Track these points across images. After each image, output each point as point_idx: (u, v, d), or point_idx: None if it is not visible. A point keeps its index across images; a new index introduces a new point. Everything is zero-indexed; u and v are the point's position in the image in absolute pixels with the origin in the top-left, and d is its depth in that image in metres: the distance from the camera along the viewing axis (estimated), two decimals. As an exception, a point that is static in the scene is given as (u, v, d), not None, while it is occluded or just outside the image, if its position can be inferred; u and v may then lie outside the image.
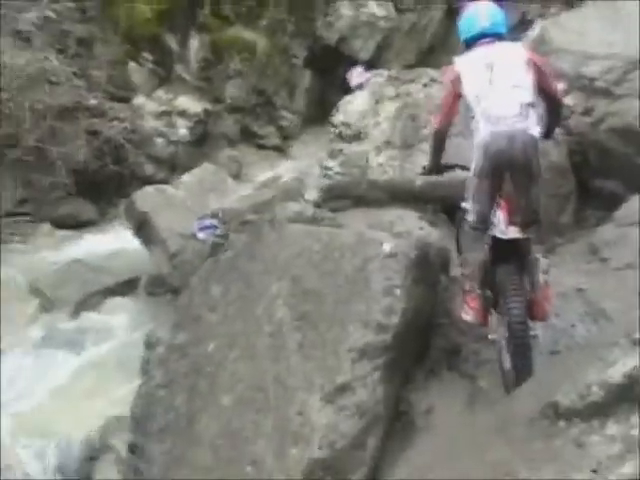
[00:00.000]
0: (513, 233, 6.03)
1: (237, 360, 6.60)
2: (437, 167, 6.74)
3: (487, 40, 6.29)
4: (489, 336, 6.27)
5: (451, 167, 6.84)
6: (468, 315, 6.33)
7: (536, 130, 6.01)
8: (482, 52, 6.25)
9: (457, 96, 6.29)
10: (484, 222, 6.18)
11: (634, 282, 7.28)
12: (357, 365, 6.14)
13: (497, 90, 6.03)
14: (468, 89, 6.16)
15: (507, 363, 5.99)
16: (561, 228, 8.67)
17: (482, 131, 5.99)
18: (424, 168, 6.92)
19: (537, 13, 14.39)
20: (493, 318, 6.23)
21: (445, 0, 14.04)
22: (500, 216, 6.17)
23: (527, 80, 6.09)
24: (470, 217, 6.23)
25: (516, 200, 6.10)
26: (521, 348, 5.82)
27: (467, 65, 6.26)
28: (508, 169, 6.00)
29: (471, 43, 6.39)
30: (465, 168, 6.51)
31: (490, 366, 6.49)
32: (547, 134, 6.63)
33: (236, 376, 6.54)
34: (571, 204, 8.87)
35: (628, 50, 9.14)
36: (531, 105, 6.04)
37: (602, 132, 9.01)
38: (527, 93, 6.05)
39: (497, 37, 6.34)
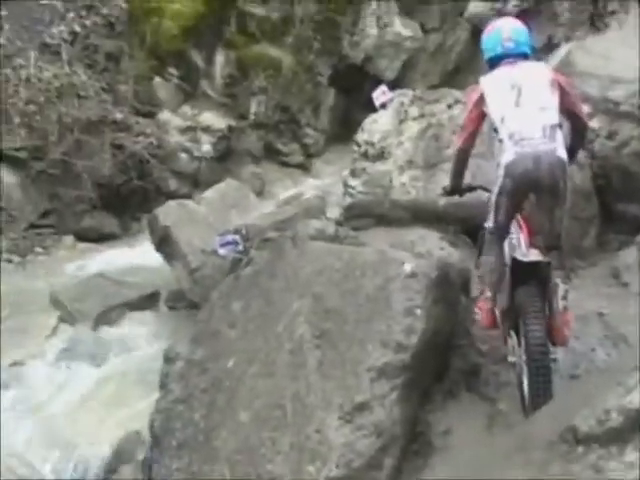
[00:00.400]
0: (534, 256, 6.01)
1: (256, 376, 6.61)
2: (458, 188, 6.74)
3: (511, 60, 6.30)
4: (508, 358, 6.26)
5: (473, 188, 6.83)
6: (478, 316, 6.37)
7: (564, 152, 6.00)
8: (507, 72, 6.24)
9: (481, 115, 6.29)
10: (501, 229, 6.19)
11: (655, 307, 7.28)
12: (375, 384, 6.15)
13: (523, 112, 6.02)
14: (493, 110, 6.15)
15: (526, 386, 5.97)
16: (583, 251, 8.65)
17: (507, 152, 5.98)
18: (444, 189, 6.91)
19: (563, 36, 14.40)
20: (512, 340, 6.21)
21: (470, 21, 14.06)
22: (522, 238, 6.17)
23: (553, 101, 6.08)
24: (489, 224, 6.25)
25: (539, 222, 6.10)
26: (541, 371, 5.80)
27: (492, 85, 6.26)
28: (533, 190, 5.99)
29: (495, 62, 6.40)
30: (487, 190, 6.51)
31: (510, 389, 6.47)
32: (571, 156, 6.61)
33: (255, 392, 6.55)
34: (594, 227, 8.85)
35: (654, 74, 9.14)
36: (558, 127, 6.03)
37: (626, 156, 8.99)
38: (553, 115, 6.04)
39: (521, 56, 6.35)
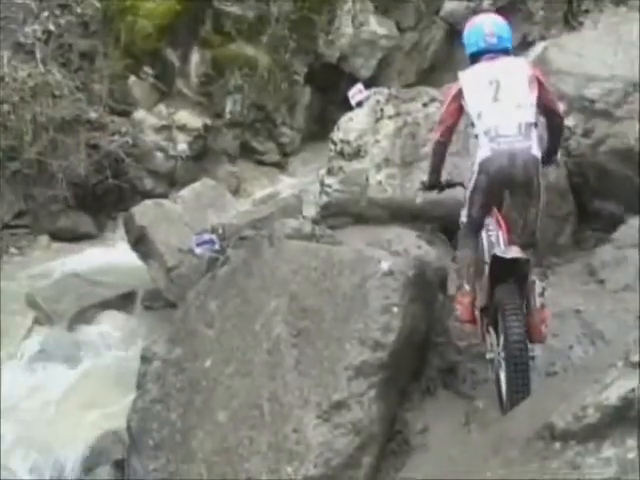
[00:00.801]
0: (514, 253, 6.03)
1: (233, 376, 6.61)
2: (437, 183, 6.75)
3: (492, 55, 6.32)
4: (487, 355, 6.27)
5: (452, 185, 6.85)
6: (457, 311, 6.39)
7: (538, 151, 6.04)
8: (486, 67, 6.28)
9: (459, 109, 6.33)
10: (475, 223, 6.27)
11: (632, 304, 7.30)
12: (353, 383, 6.16)
13: (500, 108, 6.07)
14: (471, 104, 6.19)
15: (504, 383, 5.99)
16: (559, 249, 8.67)
17: (483, 148, 6.03)
18: (423, 183, 6.92)
19: (538, 35, 14.46)
20: (491, 337, 6.22)
21: (446, 19, 14.09)
22: (501, 235, 6.18)
23: (530, 99, 6.13)
24: (463, 218, 6.30)
25: (515, 220, 6.12)
26: (519, 368, 5.81)
27: (471, 80, 6.29)
28: (508, 187, 6.03)
29: (476, 57, 6.41)
30: (465, 187, 6.54)
31: (487, 386, 6.50)
32: (549, 155, 6.64)
33: (232, 392, 6.54)
34: (570, 225, 8.88)
35: (628, 72, 9.17)
36: (533, 125, 6.06)
37: (602, 154, 9.02)
38: (530, 112, 6.08)
39: (503, 52, 6.36)
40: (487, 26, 6.50)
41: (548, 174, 8.11)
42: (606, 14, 12.68)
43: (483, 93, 6.16)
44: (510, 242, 6.14)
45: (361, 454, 6.01)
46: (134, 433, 6.88)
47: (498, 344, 6.08)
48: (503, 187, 6.05)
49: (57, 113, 11.63)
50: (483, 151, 6.03)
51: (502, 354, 5.98)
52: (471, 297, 6.35)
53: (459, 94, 6.31)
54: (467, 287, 6.36)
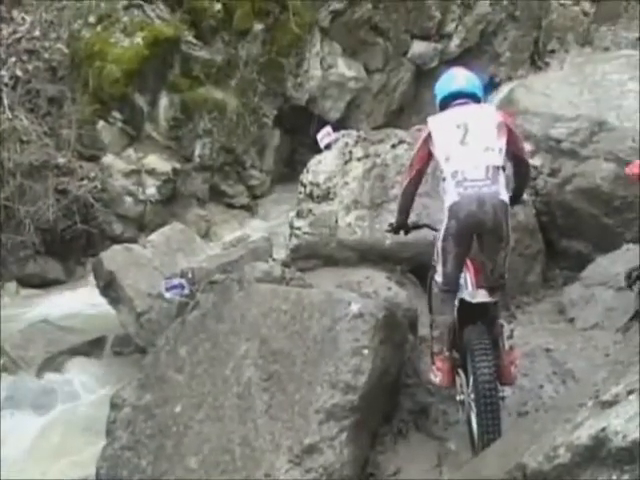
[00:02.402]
0: (482, 297, 6.04)
1: (204, 421, 6.55)
2: (404, 224, 6.76)
3: (462, 101, 6.36)
4: (457, 397, 6.26)
5: (419, 226, 6.87)
6: (436, 377, 6.33)
7: (506, 194, 6.05)
8: (455, 112, 6.31)
9: (428, 155, 6.34)
10: (453, 284, 6.21)
11: (601, 342, 7.34)
12: (324, 426, 6.13)
13: (468, 152, 6.07)
14: (439, 148, 6.20)
15: (475, 424, 5.97)
16: (529, 287, 8.72)
17: (451, 193, 6.02)
18: (390, 225, 6.93)
19: (505, 75, 14.63)
20: (460, 379, 6.21)
21: (414, 61, 14.22)
22: (468, 279, 6.19)
23: (498, 143, 6.13)
24: (439, 278, 6.26)
25: (483, 264, 6.13)
26: (489, 408, 5.80)
27: (439, 124, 6.32)
28: (477, 232, 6.02)
29: (446, 103, 6.45)
30: (433, 228, 6.55)
31: (459, 427, 6.48)
32: (515, 198, 6.67)
33: (203, 437, 6.48)
34: (539, 264, 8.92)
35: (594, 112, 9.28)
36: (501, 168, 6.08)
37: (569, 193, 9.10)
38: (498, 156, 6.08)
39: (472, 99, 6.40)
40: (459, 74, 6.63)
41: (517, 214, 8.20)
42: (571, 54, 12.90)
43: (451, 137, 6.17)
44: (478, 285, 6.15)
45: (333, 498, 5.97)
46: (104, 481, 6.79)
47: (468, 385, 6.08)
48: (473, 232, 6.04)
49: (25, 158, 11.61)
50: (451, 196, 6.02)
51: (472, 395, 5.97)
52: (452, 362, 6.30)
53: (428, 138, 6.33)
54: (447, 353, 6.29)
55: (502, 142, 6.15)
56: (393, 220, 6.96)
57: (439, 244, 6.17)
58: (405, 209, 6.67)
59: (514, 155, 6.41)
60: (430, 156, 6.35)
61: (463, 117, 6.22)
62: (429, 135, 6.32)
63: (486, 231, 5.98)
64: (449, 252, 6.11)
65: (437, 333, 6.33)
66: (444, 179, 6.11)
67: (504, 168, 6.14)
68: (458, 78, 6.56)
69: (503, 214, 5.99)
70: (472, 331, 6.04)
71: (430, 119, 6.44)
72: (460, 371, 6.23)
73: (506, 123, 6.30)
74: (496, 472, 4.61)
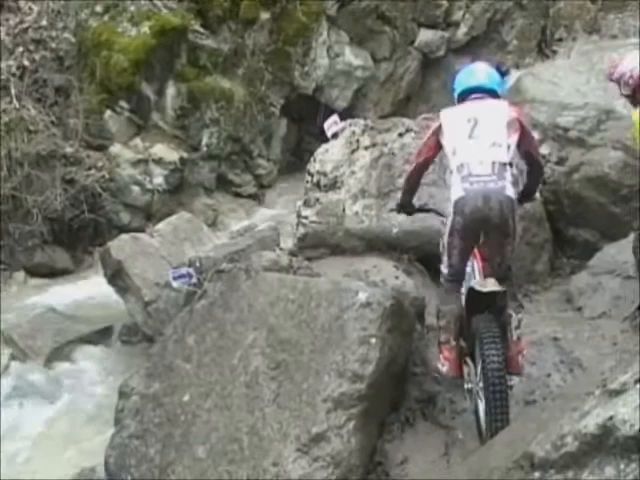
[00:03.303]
0: (491, 286, 6.03)
1: (212, 410, 6.57)
2: (409, 204, 6.77)
3: (479, 95, 6.35)
4: (465, 386, 6.26)
5: (425, 210, 6.88)
6: (444, 367, 6.34)
7: (512, 190, 6.03)
8: (468, 106, 6.33)
9: (437, 145, 6.36)
10: (458, 274, 6.21)
11: (608, 331, 7.33)
12: (332, 415, 6.14)
13: (474, 146, 6.07)
14: (447, 140, 6.21)
15: (483, 413, 5.98)
16: (536, 276, 8.71)
17: (457, 188, 6.03)
18: (397, 204, 6.95)
19: (512, 64, 14.58)
20: (468, 368, 6.22)
21: (421, 50, 14.19)
22: (476, 268, 6.18)
23: (507, 140, 6.11)
24: (444, 270, 6.26)
25: (490, 257, 6.12)
26: (498, 396, 5.80)
27: (450, 117, 6.34)
28: (483, 227, 6.00)
29: (464, 97, 6.45)
30: (439, 214, 6.57)
31: (466, 416, 6.49)
32: (526, 196, 6.67)
33: (211, 426, 6.51)
34: (546, 252, 8.91)
35: (601, 100, 9.25)
36: (508, 165, 6.06)
37: (576, 181, 9.09)
38: (505, 152, 6.07)
39: (490, 94, 6.39)
40: (479, 69, 6.68)
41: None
42: (579, 42, 12.86)
43: (460, 129, 6.18)
44: (486, 274, 6.14)
45: (341, 487, 5.99)
46: (112, 470, 6.81)
47: (476, 374, 6.08)
48: (479, 228, 6.01)
49: (32, 148, 11.60)
50: (456, 190, 6.04)
51: (480, 384, 5.97)
52: (458, 351, 6.31)
53: (439, 129, 6.34)
54: (454, 342, 6.29)
55: (512, 139, 6.15)
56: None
57: (445, 238, 6.18)
58: (410, 191, 6.70)
59: (526, 153, 6.40)
60: (438, 147, 6.36)
61: (475, 111, 6.23)
62: (440, 126, 6.33)
63: (492, 227, 5.96)
64: (455, 246, 6.12)
65: (444, 323, 6.32)
66: (450, 172, 6.12)
67: (511, 165, 6.13)
68: (478, 73, 6.58)
69: (509, 210, 5.98)
70: (480, 320, 6.04)
71: (443, 111, 6.47)
72: (468, 360, 6.24)
73: (519, 120, 6.29)
74: (503, 461, 4.61)
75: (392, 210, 7.10)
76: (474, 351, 6.13)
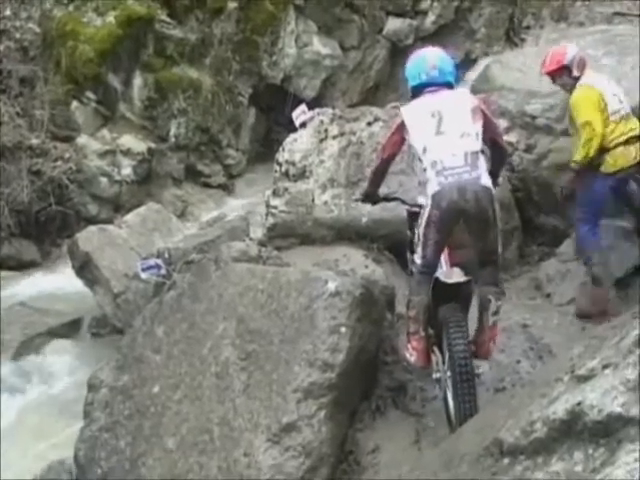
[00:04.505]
0: (457, 276, 6.03)
1: (182, 401, 6.54)
2: (373, 195, 6.75)
3: (434, 88, 6.25)
4: (433, 375, 6.26)
5: (390, 199, 6.86)
6: (412, 357, 6.31)
7: (487, 179, 6.01)
8: (428, 100, 6.21)
9: (401, 141, 6.31)
10: (431, 267, 6.19)
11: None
12: (302, 405, 6.13)
13: (445, 140, 6.01)
14: (415, 139, 6.11)
15: (451, 400, 5.99)
16: (506, 263, 8.68)
17: (431, 182, 5.97)
18: (361, 194, 6.94)
19: (480, 52, 14.62)
20: (436, 357, 6.22)
21: (389, 38, 14.19)
22: (442, 258, 6.17)
23: (475, 127, 6.06)
24: (418, 260, 6.23)
25: (474, 244, 6.10)
26: (465, 384, 5.81)
27: (412, 114, 6.23)
28: (462, 219, 5.98)
29: (418, 91, 6.35)
30: (404, 202, 6.57)
31: (436, 403, 6.50)
32: (493, 180, 6.66)
33: (181, 417, 6.48)
34: (515, 240, 8.94)
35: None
36: (480, 153, 6.04)
37: (544, 168, 9.11)
38: (475, 141, 6.03)
39: (445, 85, 6.34)
40: (430, 59, 6.40)
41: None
42: (546, 30, 12.90)
43: (426, 127, 6.10)
44: (452, 264, 6.14)
45: (312, 476, 5.98)
46: (82, 463, 6.78)
47: (444, 362, 6.08)
48: (457, 220, 5.99)
49: (-3, 140, 11.52)
50: (432, 185, 5.97)
51: (448, 372, 5.98)
52: (427, 342, 6.27)
53: (402, 126, 6.28)
54: (422, 332, 6.24)
55: (478, 126, 6.10)
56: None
57: (421, 230, 6.11)
58: (375, 183, 6.68)
59: (490, 140, 6.37)
60: (403, 142, 6.30)
61: (437, 105, 6.13)
62: (402, 123, 6.26)
63: (470, 217, 5.93)
64: (430, 238, 6.06)
65: (413, 313, 6.29)
66: (424, 170, 6.07)
67: (483, 152, 6.12)
68: (429, 65, 6.33)
69: (487, 199, 5.94)
70: (447, 308, 6.05)
71: (403, 109, 6.36)
72: (436, 349, 6.24)
73: (481, 107, 6.26)
74: (473, 447, 4.61)
75: (357, 200, 7.06)
76: (441, 340, 6.13)
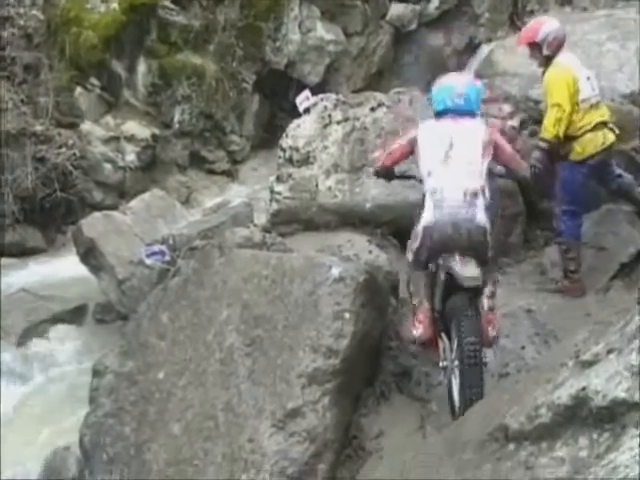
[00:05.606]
0: (470, 272, 6.00)
1: (187, 387, 6.56)
2: (388, 171, 6.83)
3: (455, 115, 6.35)
4: (440, 364, 6.25)
5: (406, 177, 6.90)
6: (417, 330, 6.35)
7: (484, 218, 6.08)
8: (445, 126, 6.34)
9: (409, 152, 6.48)
10: (423, 266, 6.32)
11: (582, 302, 7.37)
12: (307, 390, 6.15)
13: (449, 170, 6.14)
14: (422, 161, 6.29)
15: (457, 390, 5.98)
16: (510, 249, 8.72)
17: (428, 212, 6.13)
18: (375, 169, 7.01)
19: (484, 37, 14.56)
20: (444, 344, 6.22)
21: (392, 24, 14.14)
22: (457, 256, 6.13)
23: (482, 164, 6.21)
24: (410, 257, 6.38)
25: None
26: (473, 370, 5.82)
27: (426, 135, 6.38)
28: (454, 249, 6.06)
29: (441, 114, 6.44)
30: (421, 181, 6.57)
31: (441, 389, 6.51)
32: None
33: (186, 403, 6.50)
34: (519, 225, 8.92)
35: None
36: (480, 192, 6.11)
37: (548, 153, 9.08)
38: (477, 179, 6.15)
39: (468, 114, 6.39)
40: (458, 87, 6.48)
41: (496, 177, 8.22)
42: (550, 14, 12.78)
43: (435, 152, 6.23)
44: (465, 262, 6.15)
45: (316, 461, 6.01)
46: (87, 448, 6.80)
47: (451, 350, 6.08)
48: (448, 249, 6.09)
49: (2, 127, 11.49)
50: (427, 215, 6.13)
51: (456, 361, 5.97)
52: (430, 313, 6.32)
53: (414, 141, 6.41)
54: (426, 304, 6.32)
55: (485, 162, 6.25)
56: (373, 185, 7.04)
57: (413, 246, 6.30)
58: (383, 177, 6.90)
59: (504, 165, 6.56)
60: (409, 154, 6.48)
61: (451, 132, 6.26)
62: (415, 139, 6.40)
63: (462, 248, 6.05)
64: (422, 255, 6.26)
65: (414, 287, 6.39)
66: (424, 193, 6.20)
67: (483, 190, 6.17)
68: (457, 92, 6.42)
69: (480, 237, 6.08)
70: (457, 297, 6.04)
71: (421, 126, 6.51)
72: (443, 336, 6.24)
73: (495, 139, 6.37)
74: (478, 433, 4.63)
75: (373, 174, 7.15)
76: (449, 329, 6.13)
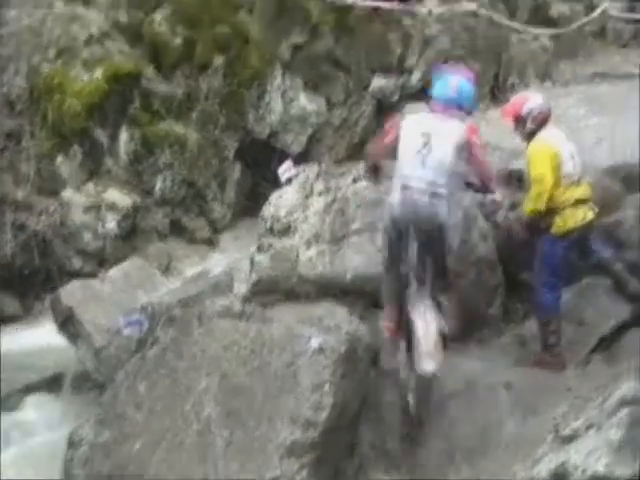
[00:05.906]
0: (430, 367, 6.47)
1: (163, 460, 6.50)
2: (377, 168, 7.41)
3: (443, 107, 6.88)
4: (400, 375, 6.77)
5: None
6: (386, 331, 7.13)
7: (444, 212, 6.59)
8: (428, 119, 6.86)
9: (397, 137, 6.88)
10: (393, 264, 6.86)
11: (562, 376, 7.34)
12: (285, 462, 6.10)
13: (419, 163, 6.64)
14: (400, 148, 6.78)
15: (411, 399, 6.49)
16: (490, 320, 8.70)
17: (395, 194, 6.70)
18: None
19: (465, 109, 14.69)
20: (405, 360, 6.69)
21: (375, 95, 14.26)
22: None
23: (451, 164, 6.67)
24: (383, 254, 7.01)
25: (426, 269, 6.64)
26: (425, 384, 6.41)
27: (409, 127, 6.86)
28: (412, 224, 6.58)
29: (434, 100, 7.00)
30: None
31: (419, 458, 6.45)
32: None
33: (161, 477, 6.40)
34: (499, 297, 8.90)
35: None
36: (444, 188, 6.62)
37: (528, 227, 9.11)
38: (443, 176, 6.63)
39: (458, 108, 6.90)
40: (454, 80, 7.06)
41: (477, 247, 8.27)
42: (531, 89, 12.95)
43: (412, 143, 6.70)
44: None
45: (295, 535, 5.93)
46: (60, 522, 6.69)
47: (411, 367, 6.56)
48: (408, 224, 6.56)
49: (-19, 194, 11.50)
50: (394, 196, 6.68)
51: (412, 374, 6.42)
52: (398, 314, 6.95)
53: (397, 127, 6.91)
54: (394, 303, 7.02)
55: (456, 164, 6.72)
56: (354, 256, 7.23)
57: (384, 238, 6.95)
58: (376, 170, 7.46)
59: (476, 173, 6.99)
60: (395, 140, 6.91)
61: (431, 127, 6.74)
62: (398, 126, 6.90)
63: (419, 228, 6.56)
64: (388, 243, 6.84)
65: (385, 288, 7.11)
66: (394, 175, 6.77)
67: (449, 187, 6.65)
68: (452, 85, 6.98)
69: (436, 223, 6.58)
70: None
71: (407, 116, 7.07)
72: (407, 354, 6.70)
73: (471, 143, 6.78)
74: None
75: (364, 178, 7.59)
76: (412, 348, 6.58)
